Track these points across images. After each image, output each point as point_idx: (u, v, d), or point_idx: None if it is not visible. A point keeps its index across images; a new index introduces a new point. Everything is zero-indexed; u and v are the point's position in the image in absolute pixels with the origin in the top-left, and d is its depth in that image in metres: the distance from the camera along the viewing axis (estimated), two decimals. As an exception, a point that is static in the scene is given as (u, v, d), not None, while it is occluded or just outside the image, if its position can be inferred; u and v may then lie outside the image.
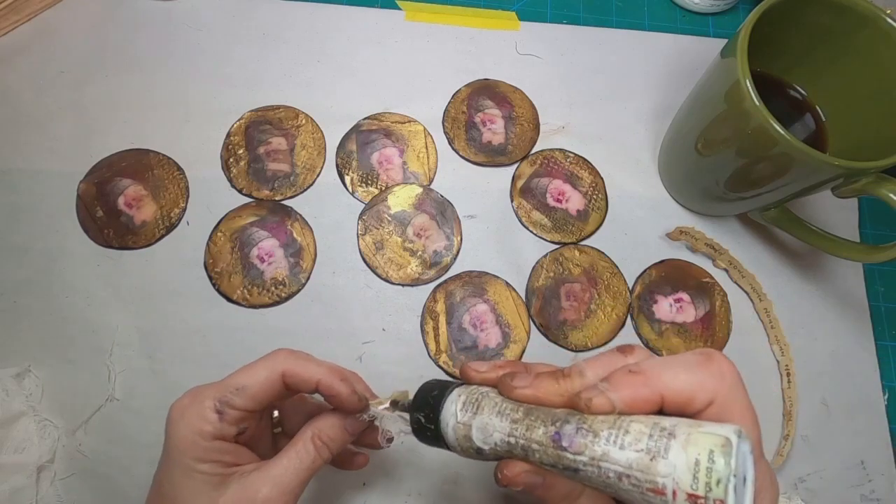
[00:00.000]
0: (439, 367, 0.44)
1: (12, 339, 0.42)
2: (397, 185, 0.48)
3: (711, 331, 0.47)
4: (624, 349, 0.26)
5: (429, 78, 0.52)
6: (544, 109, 0.52)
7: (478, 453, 0.26)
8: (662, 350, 0.46)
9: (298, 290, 0.45)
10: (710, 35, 0.57)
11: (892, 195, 0.37)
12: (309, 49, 0.52)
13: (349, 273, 0.46)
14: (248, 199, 0.47)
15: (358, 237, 0.46)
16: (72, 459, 0.39)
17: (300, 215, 0.46)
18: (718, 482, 0.19)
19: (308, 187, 0.48)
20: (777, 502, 0.24)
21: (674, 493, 0.20)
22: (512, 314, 0.45)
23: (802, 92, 0.46)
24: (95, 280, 0.44)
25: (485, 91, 0.52)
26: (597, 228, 0.49)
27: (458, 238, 0.47)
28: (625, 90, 0.53)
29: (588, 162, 0.50)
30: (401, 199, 0.48)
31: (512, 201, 0.49)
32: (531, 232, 0.48)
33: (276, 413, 0.35)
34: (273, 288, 0.44)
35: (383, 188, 0.48)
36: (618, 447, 0.22)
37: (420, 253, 0.46)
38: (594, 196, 0.49)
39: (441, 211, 0.48)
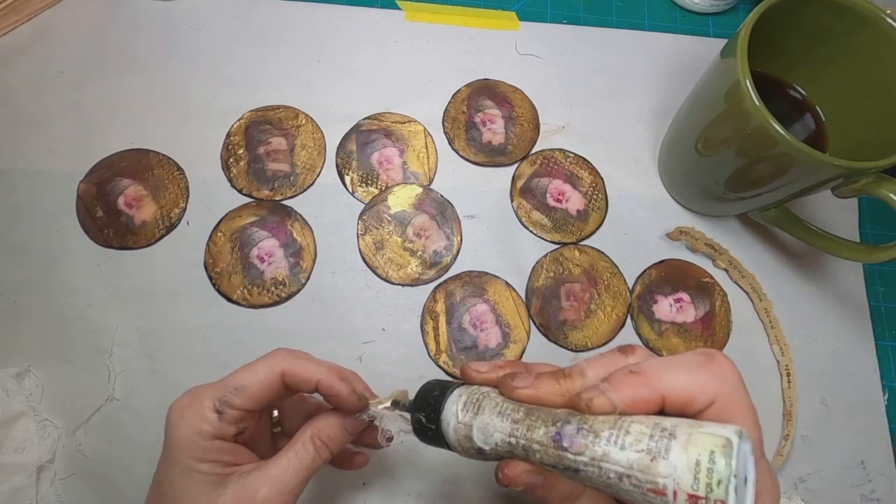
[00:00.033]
0: (439, 367, 0.44)
1: (12, 339, 0.42)
2: (397, 185, 0.48)
3: (711, 331, 0.47)
4: (625, 349, 0.26)
5: (429, 78, 0.52)
6: (544, 109, 0.52)
7: (479, 453, 0.26)
8: (662, 350, 0.46)
9: (298, 290, 0.45)
10: (710, 35, 0.57)
11: (892, 195, 0.36)
12: (309, 49, 0.52)
13: (349, 273, 0.46)
14: (248, 199, 0.47)
15: (358, 237, 0.46)
16: (72, 459, 0.39)
17: (300, 215, 0.46)
18: (719, 483, 0.19)
19: (308, 187, 0.48)
20: (778, 503, 0.24)
21: (674, 493, 0.20)
22: (512, 314, 0.45)
23: (802, 92, 0.46)
24: (95, 280, 0.44)
25: (485, 91, 0.52)
26: (597, 228, 0.49)
27: (458, 238, 0.47)
28: (625, 90, 0.53)
29: (588, 162, 0.50)
30: (401, 199, 0.48)
31: (512, 201, 0.49)
32: (531, 232, 0.48)
33: (275, 413, 0.35)
34: (273, 288, 0.44)
35: (383, 188, 0.48)
36: (618, 448, 0.22)
37: (420, 253, 0.46)
38: (594, 196, 0.49)
39: (441, 211, 0.48)
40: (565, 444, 0.23)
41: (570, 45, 0.54)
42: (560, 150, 0.51)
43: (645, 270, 0.48)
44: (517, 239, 0.48)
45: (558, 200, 0.49)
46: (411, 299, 0.45)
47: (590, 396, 0.23)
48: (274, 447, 0.34)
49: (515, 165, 0.50)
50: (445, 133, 0.50)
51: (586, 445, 0.22)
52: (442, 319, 0.45)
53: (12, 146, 0.46)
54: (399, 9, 0.54)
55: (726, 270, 0.48)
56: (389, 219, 0.47)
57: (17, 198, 0.45)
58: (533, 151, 0.50)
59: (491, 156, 0.50)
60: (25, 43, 0.49)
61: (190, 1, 0.52)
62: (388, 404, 0.31)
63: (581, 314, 0.46)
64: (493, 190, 0.49)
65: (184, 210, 0.46)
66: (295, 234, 0.46)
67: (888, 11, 0.39)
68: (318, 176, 0.48)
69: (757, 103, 0.36)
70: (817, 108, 0.46)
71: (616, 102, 0.53)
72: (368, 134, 0.49)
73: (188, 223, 0.46)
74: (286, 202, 0.47)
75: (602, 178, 0.50)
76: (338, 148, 0.49)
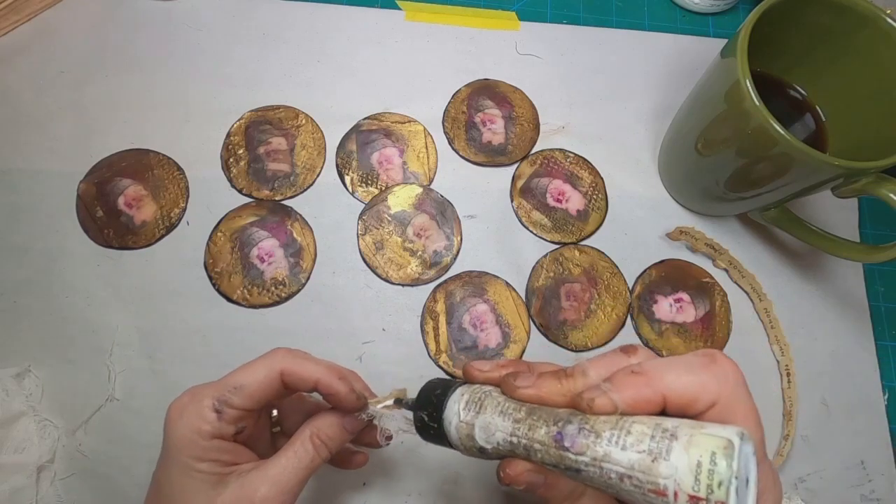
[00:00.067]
0: (439, 367, 0.44)
1: (12, 339, 0.42)
2: (397, 185, 0.48)
3: (711, 331, 0.47)
4: (627, 349, 0.26)
5: (429, 78, 0.52)
6: (544, 109, 0.52)
7: (480, 452, 0.27)
8: (662, 350, 0.46)
9: (298, 290, 0.45)
10: (710, 35, 0.57)
11: (892, 195, 0.36)
12: (309, 49, 0.52)
13: (349, 273, 0.46)
14: (248, 199, 0.47)
15: (358, 237, 0.46)
16: (72, 459, 0.39)
17: (300, 215, 0.46)
18: (720, 484, 0.19)
19: (308, 187, 0.48)
20: (780, 503, 0.24)
21: (675, 494, 0.20)
22: (512, 314, 0.45)
23: (802, 92, 0.46)
24: (95, 280, 0.44)
25: (485, 91, 0.52)
26: (597, 228, 0.49)
27: (458, 238, 0.47)
28: (625, 90, 0.53)
29: (588, 162, 0.50)
30: (401, 199, 0.48)
31: (512, 201, 0.49)
32: (531, 232, 0.48)
33: (274, 412, 0.35)
34: (273, 288, 0.44)
35: (383, 188, 0.48)
36: (619, 448, 0.22)
37: (420, 253, 0.46)
38: (594, 196, 0.49)
39: (441, 211, 0.48)
40: (567, 444, 0.23)
41: (570, 45, 0.54)
42: (560, 150, 0.50)
43: (645, 270, 0.48)
44: (517, 239, 0.48)
45: (558, 200, 0.49)
46: (411, 299, 0.45)
47: (591, 396, 0.23)
48: (273, 446, 0.34)
49: (515, 165, 0.50)
50: (445, 133, 0.50)
51: (588, 445, 0.22)
52: (442, 319, 0.45)
53: (12, 146, 0.46)
54: (399, 9, 0.54)
55: (726, 270, 0.48)
56: (389, 219, 0.47)
57: (17, 198, 0.45)
58: (533, 151, 0.50)
59: (491, 156, 0.50)
60: (25, 43, 0.49)
61: (190, 1, 0.52)
62: (390, 402, 0.31)
63: (581, 314, 0.46)
64: (493, 190, 0.49)
65: (184, 210, 0.46)
66: (295, 234, 0.46)
67: (888, 11, 0.39)
68: (318, 176, 0.48)
69: (757, 103, 0.36)
70: (817, 108, 0.46)
71: (616, 102, 0.53)
72: (368, 134, 0.49)
73: (188, 223, 0.46)
74: (286, 202, 0.47)
75: (602, 178, 0.50)
76: (338, 148, 0.49)
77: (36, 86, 0.48)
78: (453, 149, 0.50)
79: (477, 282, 0.46)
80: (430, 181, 0.49)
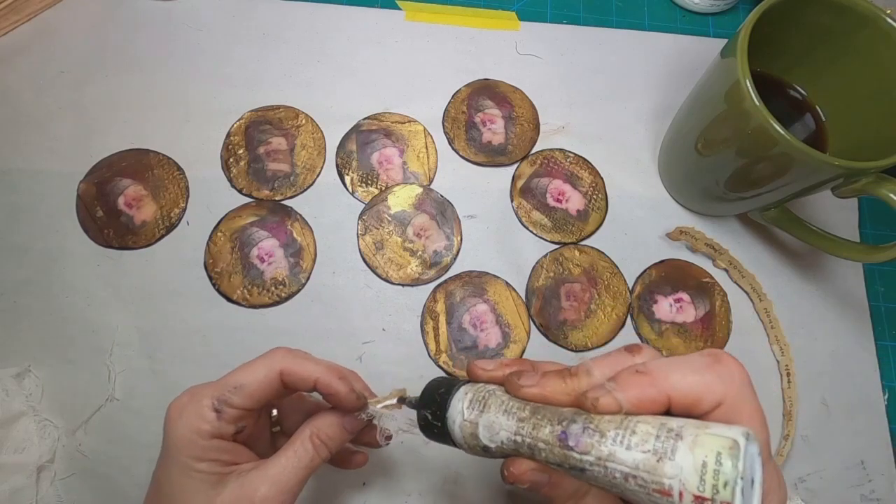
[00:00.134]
0: (439, 367, 0.44)
1: (12, 339, 0.42)
2: (397, 185, 0.48)
3: (711, 331, 0.47)
4: (631, 349, 0.26)
5: (429, 78, 0.52)
6: (544, 109, 0.52)
7: (484, 451, 0.27)
8: (662, 350, 0.46)
9: (298, 290, 0.45)
10: (710, 35, 0.57)
11: (892, 195, 0.36)
12: (309, 49, 0.52)
13: (349, 273, 0.46)
14: (248, 199, 0.47)
15: (358, 237, 0.46)
16: (72, 459, 0.39)
17: (300, 215, 0.46)
18: (725, 484, 0.19)
19: (308, 187, 0.48)
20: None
21: (680, 494, 0.20)
22: (512, 314, 0.45)
23: (802, 92, 0.46)
24: (95, 280, 0.44)
25: (485, 91, 0.52)
26: (597, 228, 0.49)
27: (458, 238, 0.47)
28: (625, 90, 0.53)
29: (588, 162, 0.50)
30: (401, 199, 0.48)
31: (512, 201, 0.49)
32: (531, 232, 0.48)
33: (274, 412, 0.35)
34: (273, 288, 0.44)
35: (383, 188, 0.48)
36: (624, 447, 0.22)
37: (420, 253, 0.46)
38: (594, 196, 0.49)
39: (441, 211, 0.48)
40: (571, 444, 0.23)
41: (570, 45, 0.54)
42: (560, 150, 0.50)
43: (645, 270, 0.48)
44: (517, 239, 0.48)
45: (558, 200, 0.49)
46: (411, 299, 0.45)
47: (596, 396, 0.23)
48: (273, 446, 0.34)
49: (515, 165, 0.50)
50: (445, 133, 0.50)
51: (592, 445, 0.22)
52: (442, 319, 0.45)
53: (12, 146, 0.46)
54: (399, 9, 0.54)
55: (726, 270, 0.48)
56: (389, 219, 0.47)
57: (17, 198, 0.45)
58: (533, 151, 0.50)
59: (491, 156, 0.50)
60: (25, 43, 0.49)
61: (190, 1, 0.52)
62: (393, 402, 0.31)
63: (581, 314, 0.46)
64: (493, 190, 0.49)
65: (184, 210, 0.46)
66: (295, 234, 0.46)
67: (888, 11, 0.39)
68: (318, 176, 0.48)
69: (757, 103, 0.36)
70: (817, 108, 0.46)
71: (616, 102, 0.53)
72: (368, 134, 0.49)
73: (188, 223, 0.46)
74: (286, 202, 0.47)
75: (602, 178, 0.50)
76: (338, 148, 0.49)
77: (36, 86, 0.48)
78: (453, 149, 0.50)
79: (477, 282, 0.46)
80: (430, 181, 0.49)
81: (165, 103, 0.49)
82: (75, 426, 0.40)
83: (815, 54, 0.44)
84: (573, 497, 0.24)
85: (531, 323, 0.46)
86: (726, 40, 0.40)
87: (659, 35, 0.56)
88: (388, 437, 0.31)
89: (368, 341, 0.44)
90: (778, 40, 0.42)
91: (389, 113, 0.50)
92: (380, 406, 0.31)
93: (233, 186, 0.47)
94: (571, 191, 0.49)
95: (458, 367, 0.44)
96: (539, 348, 0.45)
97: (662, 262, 0.48)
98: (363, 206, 0.47)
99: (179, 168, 0.47)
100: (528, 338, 0.45)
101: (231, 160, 0.47)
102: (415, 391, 0.31)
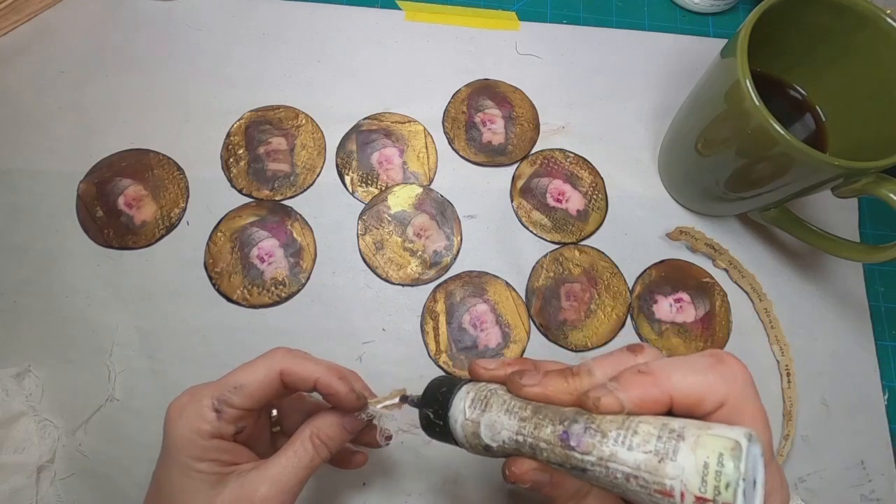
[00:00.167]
0: (439, 366, 0.44)
1: (12, 339, 0.42)
2: (397, 185, 0.48)
3: (711, 331, 0.47)
4: (634, 348, 0.26)
5: (429, 78, 0.52)
6: (544, 109, 0.52)
7: (486, 450, 0.27)
8: (663, 350, 0.46)
9: (298, 290, 0.45)
10: (710, 35, 0.57)
11: (892, 195, 0.36)
12: (309, 49, 0.52)
13: (349, 273, 0.46)
14: (248, 199, 0.47)
15: (358, 237, 0.46)
16: (72, 459, 0.39)
17: (300, 215, 0.46)
18: (727, 485, 0.19)
19: (308, 187, 0.48)
20: None
21: (682, 495, 0.20)
22: (512, 314, 0.45)
23: (802, 92, 0.46)
24: (95, 280, 0.44)
25: (485, 91, 0.52)
26: (597, 228, 0.49)
27: (458, 238, 0.47)
28: (625, 90, 0.53)
29: (588, 162, 0.50)
30: (401, 199, 0.48)
31: (512, 201, 0.49)
32: (531, 232, 0.48)
33: (274, 412, 0.35)
34: (273, 288, 0.44)
35: (383, 188, 0.48)
36: (626, 448, 0.22)
37: (420, 253, 0.46)
38: (594, 196, 0.49)
39: (441, 211, 0.48)
40: (572, 444, 0.23)
41: (570, 45, 0.54)
42: (560, 150, 0.50)
43: (645, 270, 0.48)
44: (517, 239, 0.48)
45: (558, 200, 0.49)
46: (411, 299, 0.45)
47: (597, 395, 0.23)
48: (273, 446, 0.34)
49: (515, 165, 0.50)
50: (445, 133, 0.50)
51: (593, 445, 0.22)
52: (442, 319, 0.45)
53: (12, 146, 0.46)
54: (399, 9, 0.54)
55: (726, 270, 0.48)
56: (389, 219, 0.47)
57: (17, 198, 0.45)
58: (533, 151, 0.50)
59: (491, 156, 0.50)
60: (25, 43, 0.49)
61: (190, 1, 0.52)
62: (395, 401, 0.31)
63: (581, 314, 0.46)
64: (493, 190, 0.49)
65: (184, 210, 0.46)
66: (295, 234, 0.46)
67: (888, 11, 0.39)
68: (318, 176, 0.48)
69: (757, 103, 0.36)
70: (817, 108, 0.46)
71: (616, 102, 0.53)
72: (368, 134, 0.49)
73: (188, 223, 0.46)
74: (286, 202, 0.47)
75: (602, 178, 0.50)
76: (338, 148, 0.49)
77: (36, 86, 0.48)
78: (453, 149, 0.50)
79: (477, 282, 0.46)
80: (430, 181, 0.49)
81: (165, 103, 0.49)
82: (75, 426, 0.40)
83: (815, 54, 0.44)
84: (574, 497, 0.24)
85: (531, 323, 0.46)
86: (726, 40, 0.40)
87: (659, 35, 0.56)
88: (388, 438, 0.32)
89: (368, 341, 0.44)
90: (778, 40, 0.42)
91: (389, 113, 0.50)
92: (381, 406, 0.31)
93: (233, 186, 0.47)
94: (571, 191, 0.49)
95: (458, 367, 0.44)
96: (539, 348, 0.45)
97: (662, 262, 0.48)
98: (363, 206, 0.47)
99: (179, 168, 0.47)
100: (528, 338, 0.45)
101: (231, 160, 0.47)
102: (415, 391, 0.31)
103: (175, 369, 0.42)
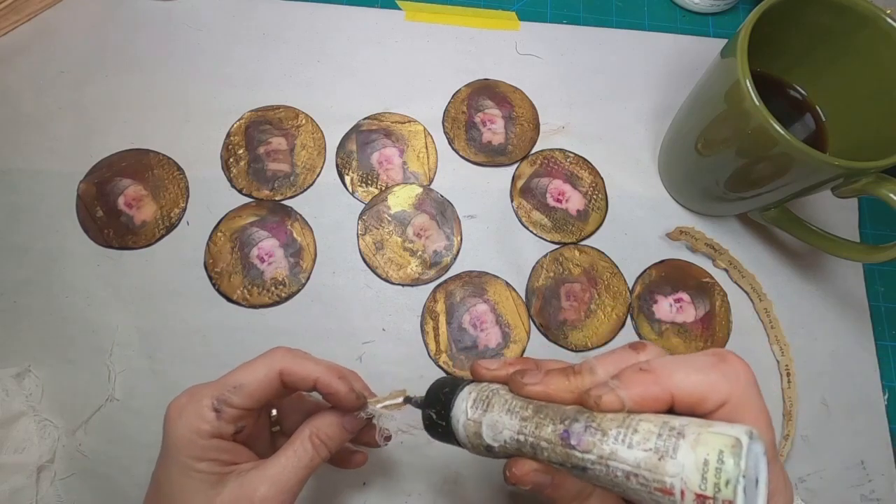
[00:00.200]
0: (439, 366, 0.44)
1: (12, 339, 0.42)
2: (397, 185, 0.48)
3: (711, 331, 0.47)
4: (636, 346, 0.26)
5: (429, 78, 0.52)
6: (544, 109, 0.52)
7: (488, 451, 0.27)
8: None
9: (298, 290, 0.45)
10: (710, 35, 0.57)
11: (892, 195, 0.36)
12: (309, 49, 0.52)
13: (349, 273, 0.46)
14: (248, 199, 0.47)
15: (358, 237, 0.46)
16: (72, 459, 0.39)
17: (300, 215, 0.46)
18: (727, 483, 0.19)
19: (308, 187, 0.48)
20: None
21: (682, 492, 0.20)
22: (512, 314, 0.45)
23: (802, 92, 0.46)
24: (95, 280, 0.44)
25: (485, 91, 0.52)
26: (597, 228, 0.49)
27: (458, 238, 0.47)
28: (625, 90, 0.53)
29: (588, 162, 0.50)
30: (401, 199, 0.48)
31: (512, 201, 0.49)
32: (531, 232, 0.48)
33: (274, 412, 0.35)
34: (273, 288, 0.44)
35: (383, 188, 0.48)
36: (626, 446, 0.22)
37: (420, 253, 0.46)
38: (594, 196, 0.49)
39: (441, 211, 0.48)
40: (573, 442, 0.23)
41: (570, 45, 0.54)
42: (560, 150, 0.50)
43: (645, 270, 0.48)
44: (517, 239, 0.48)
45: (558, 200, 0.49)
46: (411, 299, 0.45)
47: (599, 393, 0.23)
48: (272, 446, 0.34)
49: (515, 165, 0.50)
50: (445, 133, 0.50)
51: (594, 443, 0.22)
52: (442, 319, 0.45)
53: (12, 146, 0.46)
54: (399, 9, 0.54)
55: (726, 270, 0.48)
56: (389, 219, 0.47)
57: (17, 198, 0.45)
58: (533, 151, 0.50)
59: (491, 156, 0.50)
60: (25, 43, 0.49)
61: (190, 1, 0.52)
62: (398, 401, 0.31)
63: (581, 314, 0.46)
64: (493, 190, 0.49)
65: (184, 210, 0.46)
66: (295, 234, 0.46)
67: (888, 11, 0.39)
68: (318, 176, 0.48)
69: (757, 103, 0.36)
70: (817, 108, 0.46)
71: (616, 102, 0.53)
72: (368, 134, 0.49)
73: (188, 223, 0.46)
74: (286, 202, 0.47)
75: (602, 178, 0.50)
76: (338, 148, 0.49)
77: (36, 86, 0.48)
78: (453, 149, 0.50)
79: (477, 282, 0.46)
80: (430, 181, 0.49)
81: (165, 103, 0.49)
82: (75, 426, 0.40)
83: (815, 54, 0.44)
84: (576, 499, 0.24)
85: (531, 323, 0.46)
86: (726, 40, 0.40)
87: (659, 35, 0.56)
88: (388, 438, 0.31)
89: (368, 341, 0.44)
90: (778, 40, 0.42)
91: (389, 113, 0.50)
92: (381, 406, 0.31)
93: (233, 186, 0.47)
94: (571, 191, 0.49)
95: (459, 367, 0.44)
96: (539, 348, 0.45)
97: (662, 262, 0.48)
98: (363, 206, 0.47)
99: (179, 168, 0.47)
100: (528, 338, 0.45)
101: (231, 160, 0.47)
102: (415, 391, 0.31)
103: (175, 369, 0.42)
